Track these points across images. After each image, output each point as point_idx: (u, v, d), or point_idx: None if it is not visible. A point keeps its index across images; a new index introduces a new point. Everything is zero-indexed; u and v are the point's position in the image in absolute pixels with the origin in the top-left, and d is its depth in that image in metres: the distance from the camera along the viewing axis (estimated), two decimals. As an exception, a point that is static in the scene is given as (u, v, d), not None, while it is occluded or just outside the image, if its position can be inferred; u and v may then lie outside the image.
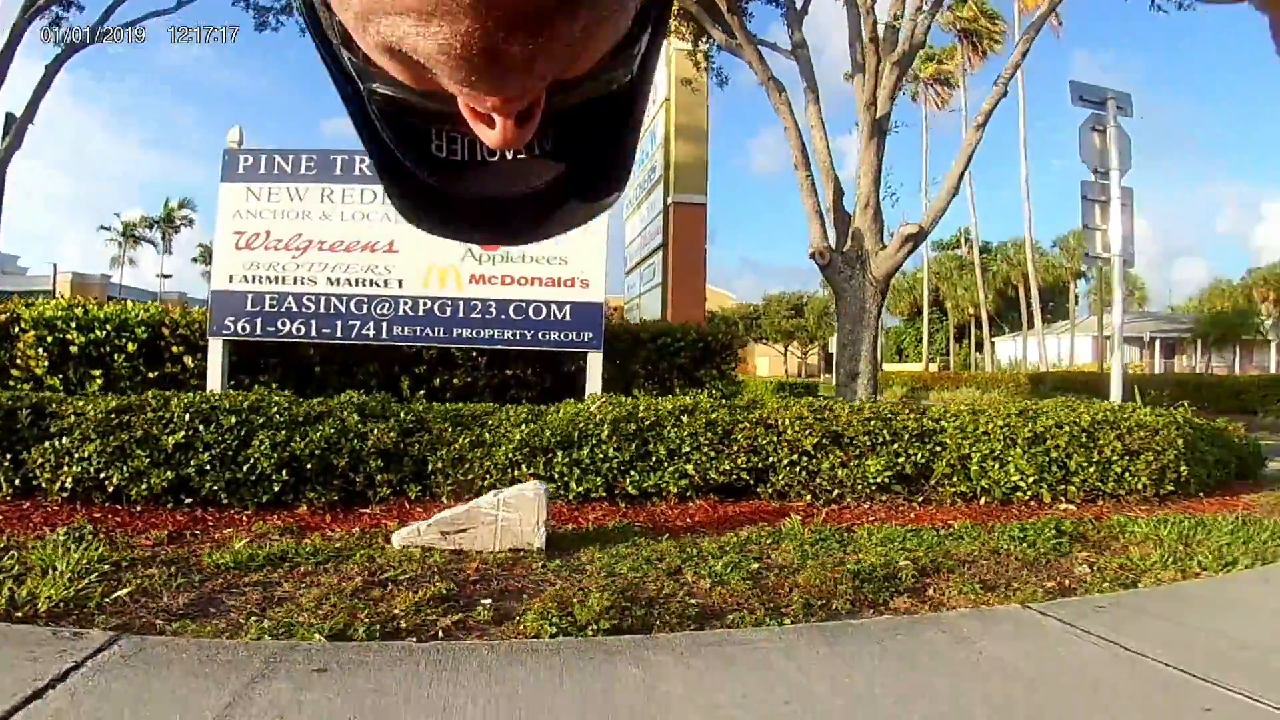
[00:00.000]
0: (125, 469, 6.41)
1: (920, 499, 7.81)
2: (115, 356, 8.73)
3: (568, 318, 8.95)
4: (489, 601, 4.52)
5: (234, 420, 6.65)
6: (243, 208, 8.78)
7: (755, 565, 5.39)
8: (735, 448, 7.53)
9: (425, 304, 8.81)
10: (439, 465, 7.02)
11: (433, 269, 8.83)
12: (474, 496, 6.11)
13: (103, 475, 6.42)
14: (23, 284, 43.16)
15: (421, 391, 8.99)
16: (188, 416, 6.59)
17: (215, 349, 8.67)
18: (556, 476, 7.12)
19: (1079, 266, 62.82)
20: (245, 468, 6.58)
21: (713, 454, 7.46)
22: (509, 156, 0.51)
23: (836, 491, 7.64)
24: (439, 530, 5.59)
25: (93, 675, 3.41)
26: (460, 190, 0.52)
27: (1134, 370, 24.70)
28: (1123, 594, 5.18)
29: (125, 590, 4.46)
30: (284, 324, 8.70)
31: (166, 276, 58.13)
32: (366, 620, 4.15)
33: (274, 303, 8.70)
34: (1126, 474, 8.01)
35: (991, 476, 7.80)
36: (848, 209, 12.73)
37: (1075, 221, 12.82)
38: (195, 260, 73.75)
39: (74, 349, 8.60)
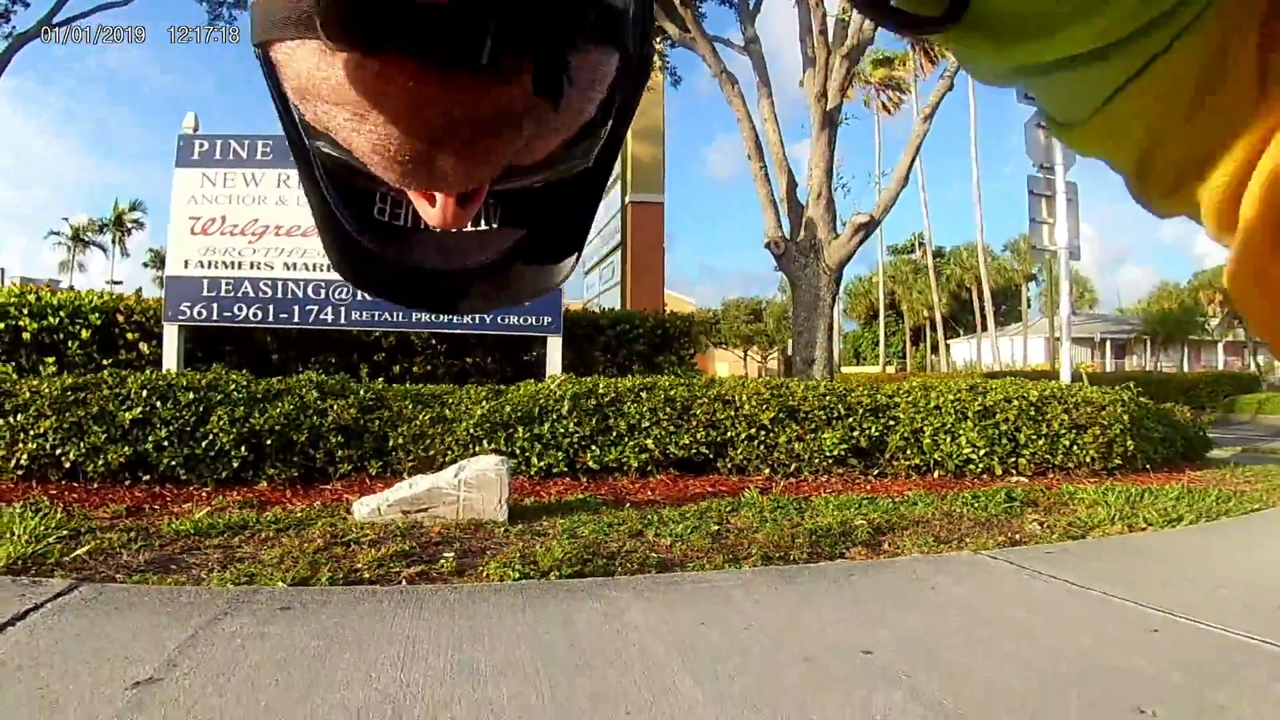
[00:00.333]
0: (82, 445, 6.35)
1: (876, 472, 7.96)
2: (69, 343, 8.63)
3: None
4: (451, 555, 4.56)
5: (192, 397, 6.62)
6: (198, 193, 8.73)
7: (715, 528, 5.47)
8: (694, 423, 7.62)
9: (384, 289, 8.79)
10: (400, 441, 7.03)
11: (391, 254, 8.82)
12: (435, 471, 6.12)
13: (59, 452, 6.35)
14: (-32, 292, 42.21)
15: (381, 379, 9.00)
16: (145, 393, 6.55)
17: (171, 335, 8.60)
18: (518, 452, 7.16)
19: (1030, 269, 63.88)
20: (204, 444, 6.54)
21: (672, 429, 7.55)
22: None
23: (794, 465, 7.76)
24: (400, 509, 5.59)
25: (52, 615, 3.41)
26: (398, 258, 0.49)
27: (1085, 370, 25.20)
28: (1071, 544, 5.34)
29: (84, 549, 4.44)
30: (240, 309, 8.65)
31: (117, 283, 57.09)
32: (329, 571, 4.18)
33: (230, 288, 8.65)
34: (1075, 447, 8.22)
35: (944, 449, 7.97)
36: (801, 200, 12.90)
37: (1025, 226, 13.06)
38: (146, 265, 72.54)
39: (26, 335, 8.48)
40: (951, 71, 12.98)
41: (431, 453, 7.03)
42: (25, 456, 6.33)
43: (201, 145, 8.83)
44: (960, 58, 0.61)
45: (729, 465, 7.73)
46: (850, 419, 7.87)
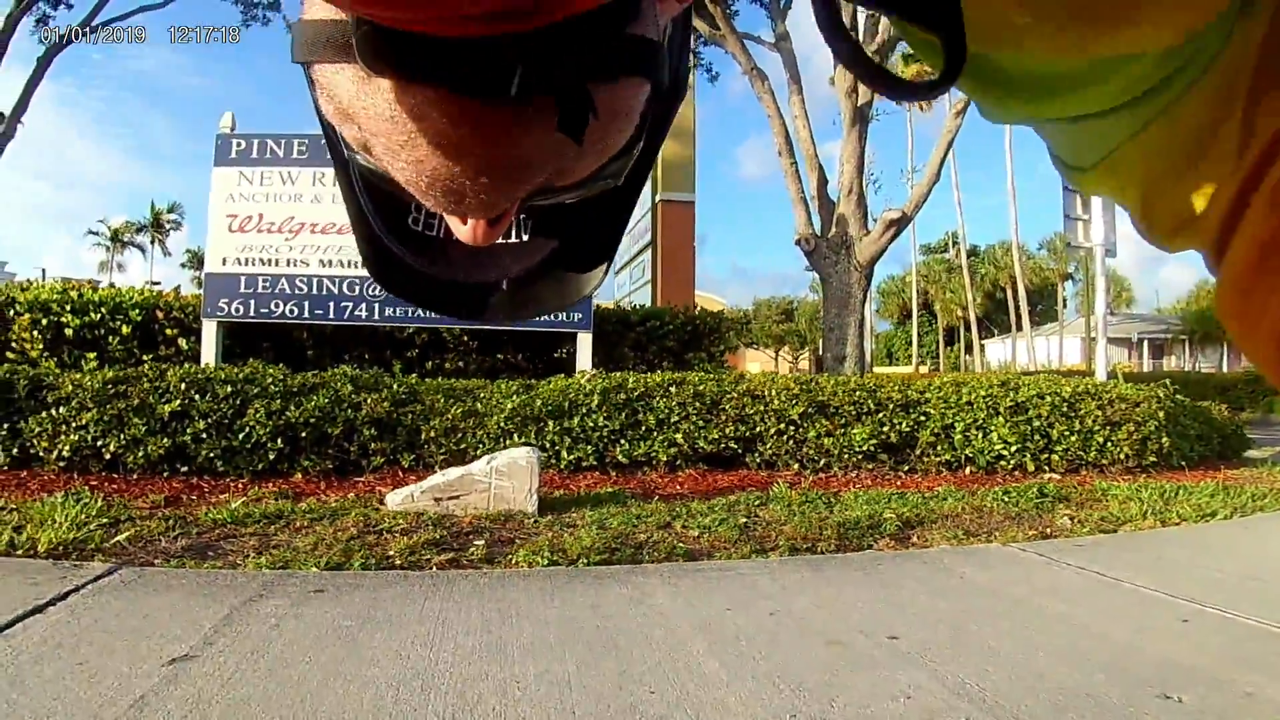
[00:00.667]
0: (122, 437, 6.50)
1: (906, 468, 7.93)
2: (110, 339, 8.80)
3: (557, 298, 9.04)
4: (481, 544, 4.62)
5: (229, 390, 6.74)
6: (235, 191, 8.87)
7: (743, 520, 5.49)
8: (723, 417, 7.64)
9: (417, 285, 8.89)
10: (432, 434, 7.11)
11: (424, 250, 8.91)
12: (466, 464, 6.19)
13: (100, 444, 6.50)
14: (12, 293, 43.07)
15: (413, 375, 9.09)
16: (184, 386, 6.68)
17: (209, 331, 8.74)
18: (548, 445, 7.22)
19: (1066, 269, 63.21)
20: (241, 436, 6.67)
21: (701, 423, 7.57)
22: None
23: (823, 460, 7.76)
24: (432, 496, 5.67)
25: (93, 595, 3.50)
26: (431, 268, 0.50)
27: (1122, 370, 24.90)
28: (1103, 537, 5.31)
29: (124, 535, 4.55)
30: (277, 305, 8.78)
31: (156, 283, 57.92)
32: (361, 557, 4.25)
33: (267, 285, 8.78)
34: (1109, 444, 8.14)
35: (975, 445, 7.93)
36: (832, 197, 12.88)
37: (1060, 225, 12.94)
38: (185, 266, 73.70)
39: (69, 331, 8.67)
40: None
41: (463, 446, 7.11)
42: (67, 448, 6.48)
43: (239, 144, 8.97)
44: (973, 99, 0.64)
45: (758, 460, 7.74)
46: (880, 414, 7.85)
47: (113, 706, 2.40)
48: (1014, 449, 7.92)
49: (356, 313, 8.86)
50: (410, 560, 4.29)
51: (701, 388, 7.72)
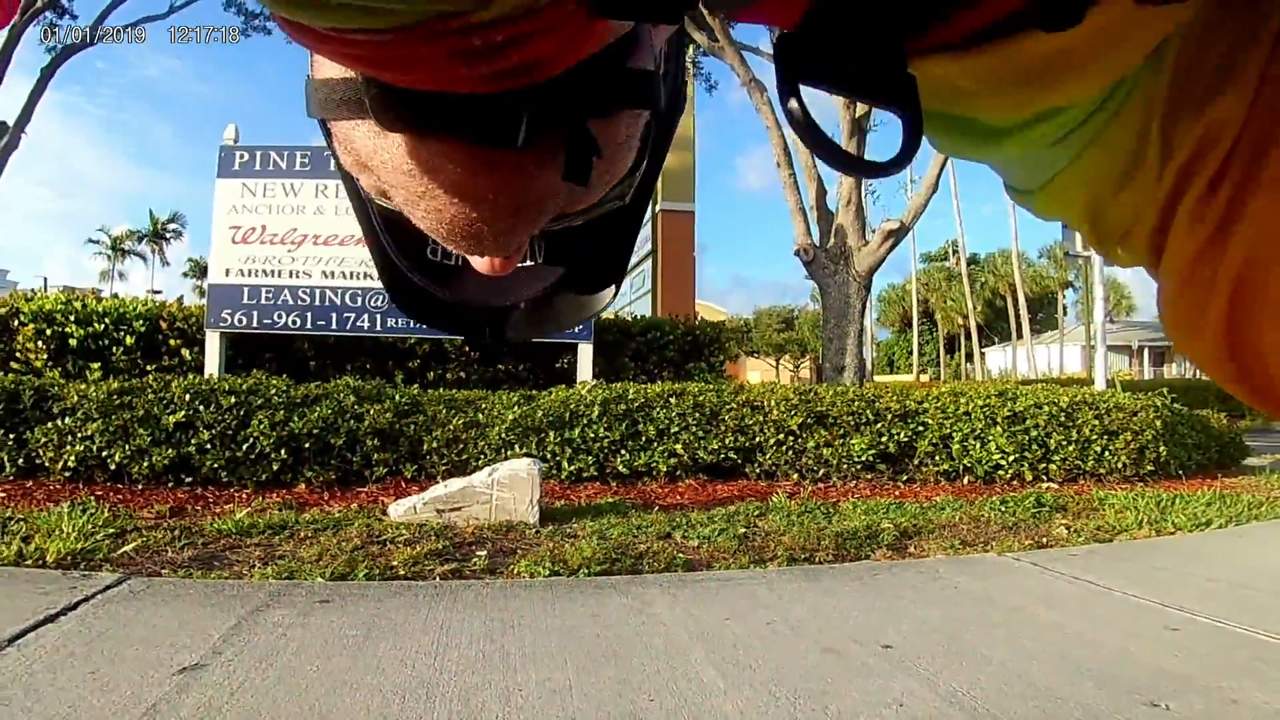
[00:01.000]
0: (127, 447, 6.56)
1: (904, 477, 7.99)
2: (113, 349, 8.86)
3: (558, 309, 9.10)
4: (484, 554, 4.68)
5: (233, 401, 6.81)
6: (238, 203, 8.94)
7: (743, 530, 5.54)
8: (723, 428, 7.70)
9: (419, 296, 8.95)
10: (434, 445, 7.17)
11: (426, 262, 8.98)
12: (468, 475, 6.24)
13: (105, 454, 6.56)
14: (14, 301, 43.13)
15: (415, 386, 9.14)
16: (188, 397, 6.74)
17: (212, 341, 8.81)
18: (549, 456, 7.28)
19: (1066, 277, 63.27)
20: (245, 446, 6.73)
21: (701, 434, 7.63)
22: None
23: (822, 470, 7.81)
24: (435, 507, 5.72)
25: (103, 605, 3.57)
26: (450, 296, 0.52)
27: (1123, 377, 24.95)
28: (1097, 546, 5.37)
29: (130, 546, 4.61)
30: (280, 316, 8.84)
31: (157, 292, 58.06)
32: (366, 567, 4.31)
33: (270, 296, 8.85)
34: (1106, 453, 8.20)
35: (973, 455, 7.99)
36: (830, 207, 12.95)
37: (1060, 233, 13.00)
38: (186, 275, 73.87)
39: (73, 341, 8.73)
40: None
41: (465, 457, 7.17)
42: (73, 458, 6.54)
43: (242, 156, 9.05)
44: (931, 141, 0.70)
45: (757, 470, 7.80)
46: (879, 424, 7.91)
47: (126, 715, 2.47)
48: (1012, 459, 7.98)
49: (359, 324, 8.93)
50: (414, 571, 4.35)
51: (701, 398, 7.78)
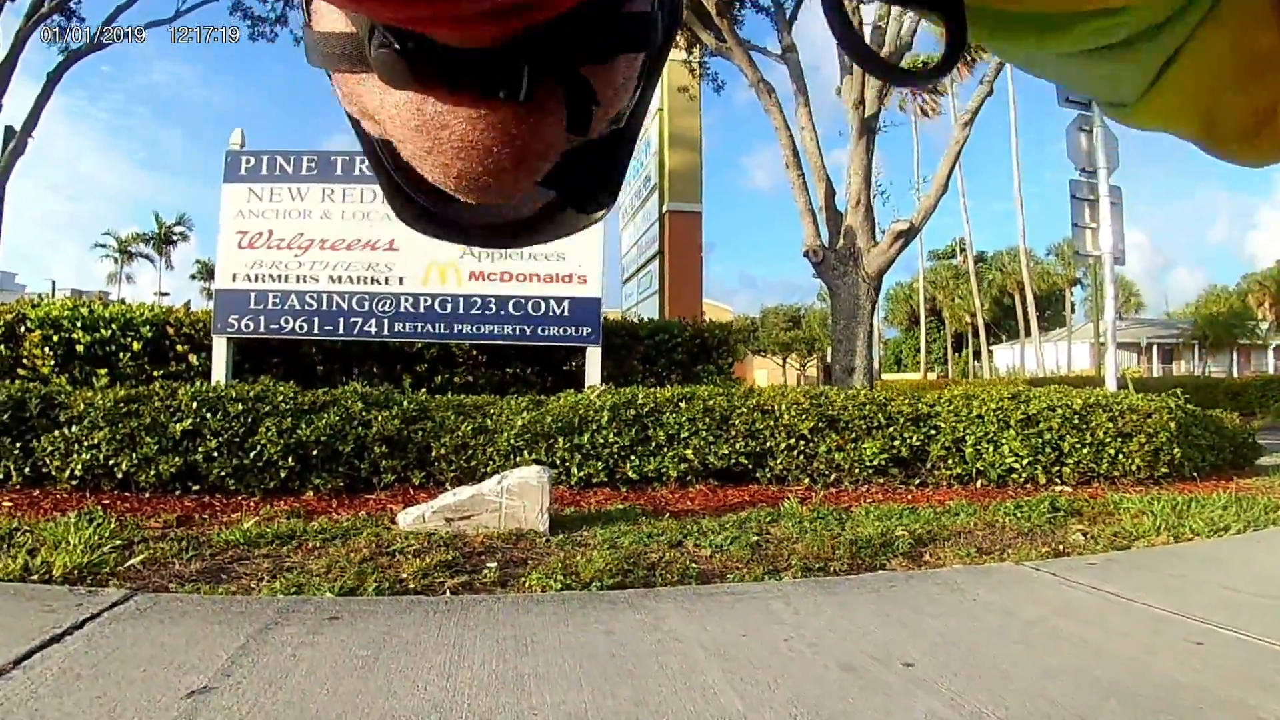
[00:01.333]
0: (134, 456, 6.52)
1: (917, 481, 7.92)
2: (120, 355, 8.84)
3: (566, 313, 9.08)
4: (494, 565, 4.62)
5: (240, 408, 6.77)
6: (245, 208, 8.92)
7: (755, 538, 5.48)
8: (733, 432, 7.64)
9: (426, 301, 8.94)
10: (442, 452, 7.13)
11: (433, 266, 8.97)
12: (477, 482, 6.20)
13: (112, 462, 6.52)
14: (22, 305, 43.27)
15: (423, 390, 9.09)
16: (195, 405, 6.71)
17: (219, 347, 8.79)
18: (558, 462, 7.23)
19: (1074, 274, 63.11)
20: (252, 454, 6.68)
21: (711, 439, 7.58)
22: None
23: (834, 475, 7.75)
24: (444, 516, 5.66)
25: (109, 624, 3.51)
26: (451, 216, 0.53)
27: (1132, 375, 24.84)
28: (1115, 554, 5.30)
29: (138, 559, 4.56)
30: (287, 321, 8.82)
31: (164, 294, 58.24)
32: (375, 581, 4.26)
33: (277, 301, 8.83)
34: (1120, 456, 8.12)
35: (986, 459, 7.92)
36: (840, 208, 12.88)
37: (1068, 231, 12.90)
38: (194, 277, 74.07)
39: (80, 348, 8.71)
40: (991, 76, 12.90)
41: (473, 463, 7.12)
42: (79, 467, 6.51)
43: (248, 161, 9.03)
44: (1000, 54, 0.66)
45: (768, 475, 7.74)
46: (891, 428, 7.84)
47: (132, 742, 2.41)
48: (1025, 462, 7.91)
49: (366, 328, 8.90)
50: (424, 584, 4.30)
51: (711, 403, 7.72)
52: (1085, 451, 8.04)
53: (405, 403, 7.33)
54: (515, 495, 5.70)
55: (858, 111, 12.63)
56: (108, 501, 6.29)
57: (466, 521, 5.64)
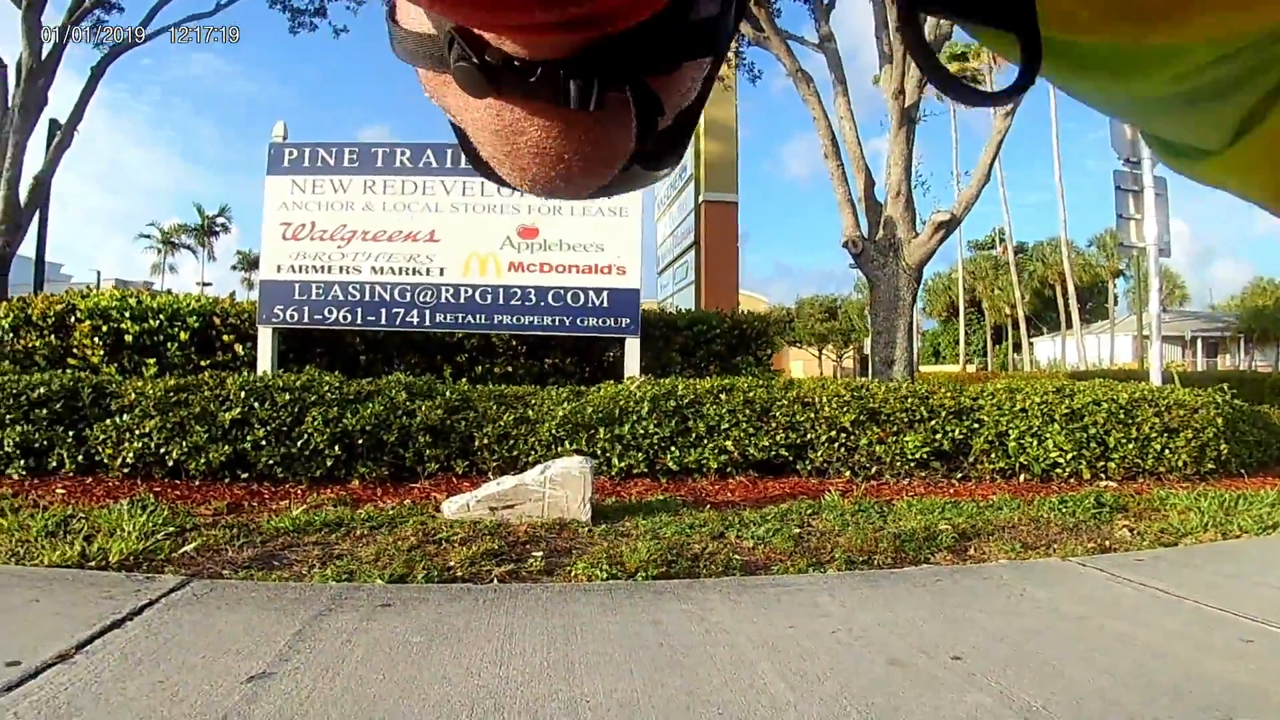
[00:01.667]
0: (184, 444, 6.64)
1: (959, 475, 7.87)
2: (168, 345, 8.98)
3: (605, 304, 9.10)
4: (540, 555, 4.67)
5: (288, 398, 6.87)
6: (289, 200, 9.03)
7: (797, 530, 5.48)
8: (774, 424, 7.64)
9: (466, 291, 9.00)
10: (485, 442, 7.19)
11: (473, 257, 9.02)
12: (519, 472, 6.25)
13: (163, 451, 6.64)
14: (68, 294, 44.01)
15: (464, 380, 9.17)
16: (244, 394, 6.81)
17: (265, 337, 8.91)
18: (599, 453, 7.26)
19: (1117, 265, 62.22)
20: (299, 443, 6.78)
21: (751, 431, 7.58)
22: None
23: (875, 468, 7.72)
24: (488, 505, 5.72)
25: (167, 609, 3.60)
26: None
27: (1176, 369, 24.36)
28: (1163, 550, 5.24)
29: (191, 546, 4.66)
30: (330, 312, 8.92)
31: (207, 284, 59.09)
32: (424, 568, 4.32)
33: (320, 292, 8.93)
34: (1166, 451, 8.01)
35: (1030, 453, 7.85)
36: (879, 199, 12.79)
37: (1110, 221, 12.72)
38: (235, 268, 75.09)
39: (129, 338, 8.86)
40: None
41: (515, 453, 7.18)
42: (131, 455, 6.64)
43: (291, 153, 9.13)
44: (1074, 94, 0.66)
45: (809, 468, 7.73)
46: (933, 421, 7.79)
47: (197, 724, 2.47)
48: (1069, 457, 7.83)
49: (408, 319, 8.98)
50: (471, 572, 4.35)
51: (751, 395, 7.72)
52: (1131, 447, 7.95)
53: (448, 393, 7.39)
54: (558, 485, 5.74)
55: (897, 101, 12.52)
56: (159, 489, 6.41)
57: (510, 510, 5.70)
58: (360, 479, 6.91)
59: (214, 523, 5.35)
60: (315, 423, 6.81)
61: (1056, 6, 0.52)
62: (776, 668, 3.04)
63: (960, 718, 2.64)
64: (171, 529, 4.97)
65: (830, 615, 3.73)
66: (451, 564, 4.43)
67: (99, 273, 49.48)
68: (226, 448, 6.68)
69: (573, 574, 4.37)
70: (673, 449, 7.42)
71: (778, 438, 7.61)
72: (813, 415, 7.69)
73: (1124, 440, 7.94)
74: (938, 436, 7.75)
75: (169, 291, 11.17)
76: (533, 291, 9.04)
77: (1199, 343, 55.10)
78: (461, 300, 9.00)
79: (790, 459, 7.71)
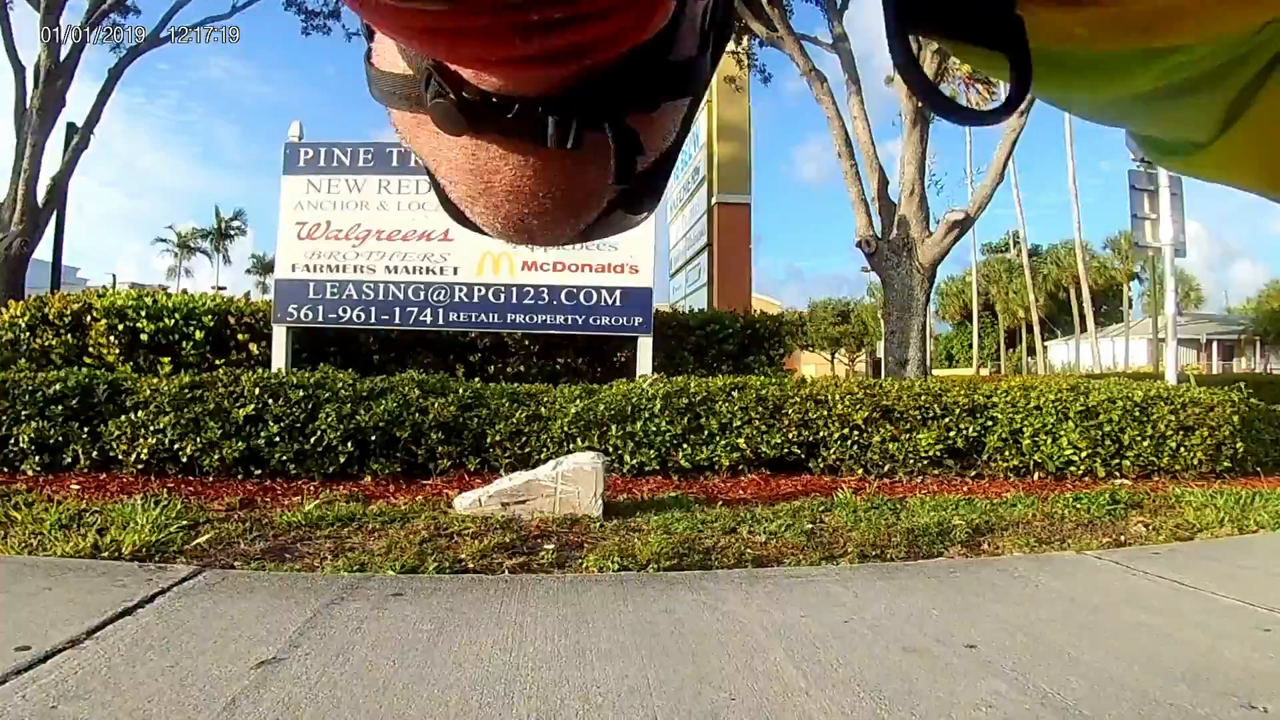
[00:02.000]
0: (199, 440, 6.66)
1: (973, 473, 7.82)
2: (183, 344, 9.02)
3: (618, 303, 9.10)
4: (551, 548, 4.66)
5: (301, 395, 6.89)
6: (304, 199, 9.06)
7: (809, 526, 5.46)
8: (786, 422, 7.61)
9: (480, 290, 9.01)
10: (497, 439, 7.19)
11: (487, 256, 9.03)
12: (531, 468, 6.25)
13: (177, 447, 6.67)
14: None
15: (477, 379, 9.17)
16: (258, 391, 6.84)
17: (279, 336, 8.94)
18: (611, 450, 7.25)
19: (1132, 268, 61.88)
20: (312, 440, 6.80)
21: (764, 428, 7.55)
22: None
23: (888, 465, 7.69)
24: (499, 500, 5.72)
25: (179, 598, 3.61)
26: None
27: (1191, 371, 24.19)
28: (1179, 545, 5.20)
29: (204, 538, 4.67)
30: (345, 311, 8.94)
31: (221, 288, 59.38)
32: (435, 560, 4.32)
33: (335, 291, 8.96)
34: (1181, 449, 7.95)
35: (1044, 451, 7.80)
36: (893, 198, 12.75)
37: (1125, 224, 12.65)
38: (249, 271, 75.50)
39: (144, 337, 8.91)
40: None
41: (527, 450, 7.18)
42: (145, 451, 6.67)
43: (307, 153, 9.16)
44: (1058, 103, 0.66)
45: (821, 465, 7.70)
46: (946, 419, 7.75)
47: (206, 709, 2.47)
48: (1084, 454, 7.77)
49: (421, 318, 8.99)
50: (482, 564, 4.35)
51: (764, 392, 7.69)
52: (1146, 444, 7.89)
53: (461, 390, 7.40)
54: (570, 481, 5.74)
55: (911, 101, 12.46)
56: (172, 485, 6.44)
57: (522, 506, 5.69)
58: (373, 476, 6.92)
59: (227, 517, 5.37)
60: (328, 419, 6.82)
61: (1052, 24, 0.52)
62: (789, 655, 3.02)
63: (975, 704, 2.62)
64: (184, 522, 4.99)
65: (843, 605, 3.71)
66: (463, 556, 4.43)
67: (115, 276, 49.87)
68: (240, 444, 6.70)
69: (584, 566, 4.36)
70: (685, 446, 7.41)
71: (790, 435, 7.59)
72: (825, 413, 7.66)
73: (1139, 438, 7.88)
74: (951, 434, 7.71)
75: (185, 292, 11.23)
76: (546, 290, 9.05)
77: (1214, 345, 54.77)
78: (475, 299, 9.01)
79: (802, 457, 7.69)
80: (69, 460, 6.78)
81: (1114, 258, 66.14)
